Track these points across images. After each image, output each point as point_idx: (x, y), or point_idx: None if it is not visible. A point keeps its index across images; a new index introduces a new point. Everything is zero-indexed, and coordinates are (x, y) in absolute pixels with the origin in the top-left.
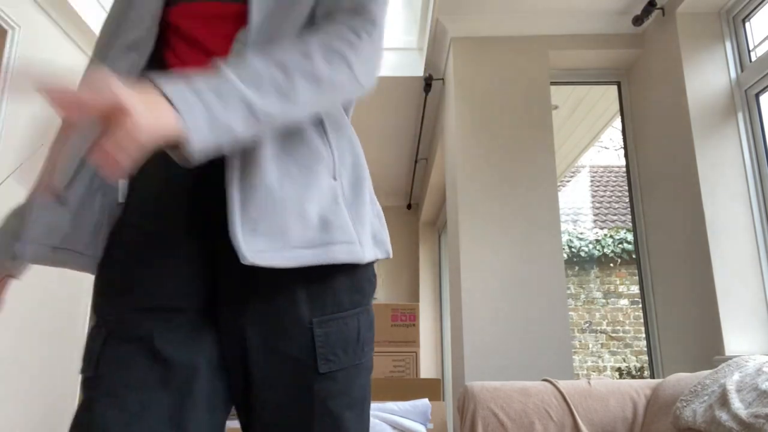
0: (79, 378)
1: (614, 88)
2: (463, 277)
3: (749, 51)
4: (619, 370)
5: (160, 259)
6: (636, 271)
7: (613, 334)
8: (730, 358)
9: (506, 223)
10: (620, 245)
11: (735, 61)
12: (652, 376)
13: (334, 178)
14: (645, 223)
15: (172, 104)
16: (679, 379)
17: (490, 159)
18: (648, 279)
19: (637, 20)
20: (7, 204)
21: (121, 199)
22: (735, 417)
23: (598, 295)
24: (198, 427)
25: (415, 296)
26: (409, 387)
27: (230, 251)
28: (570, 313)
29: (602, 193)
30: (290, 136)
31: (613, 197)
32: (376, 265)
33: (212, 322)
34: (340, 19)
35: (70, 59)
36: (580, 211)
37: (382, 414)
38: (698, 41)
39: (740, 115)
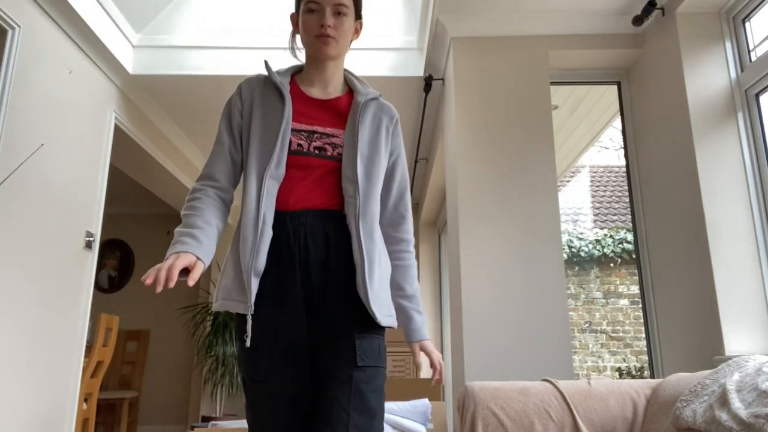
0: (78, 378)
1: (614, 88)
2: (463, 277)
3: (749, 51)
4: (619, 370)
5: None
6: (636, 271)
7: (613, 334)
8: (730, 358)
9: (506, 223)
10: (620, 245)
11: (735, 61)
12: (652, 376)
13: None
14: (645, 223)
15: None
16: (679, 379)
17: (490, 159)
18: (648, 279)
19: (637, 20)
20: (9, 204)
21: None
22: (735, 417)
23: (598, 295)
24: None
25: None
26: (409, 387)
27: (325, 307)
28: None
29: (602, 193)
30: (383, 255)
31: (613, 197)
32: None
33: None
34: (405, 237)
35: (70, 59)
36: (580, 211)
37: None
38: (698, 41)
39: (740, 115)
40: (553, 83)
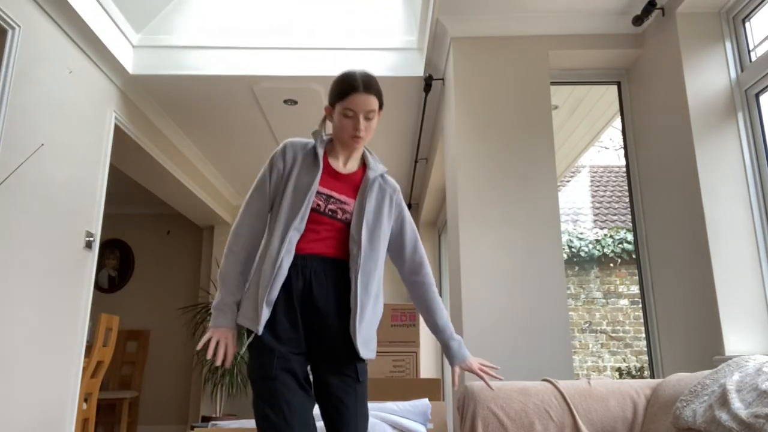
0: (78, 378)
1: (614, 88)
2: (463, 277)
3: (749, 51)
4: (619, 370)
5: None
6: (636, 271)
7: (613, 334)
8: (730, 358)
9: (506, 223)
10: (620, 245)
11: (735, 61)
12: (652, 376)
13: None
14: (645, 223)
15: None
16: (679, 379)
17: (490, 158)
18: (648, 279)
19: (637, 20)
20: (9, 204)
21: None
22: (735, 417)
23: (598, 295)
24: (308, 409)
25: None
26: (409, 387)
27: (327, 338)
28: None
29: (602, 193)
30: (377, 303)
31: (613, 197)
32: None
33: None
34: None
35: (70, 59)
36: (580, 211)
37: (382, 414)
38: (698, 41)
39: (740, 115)
40: (553, 83)
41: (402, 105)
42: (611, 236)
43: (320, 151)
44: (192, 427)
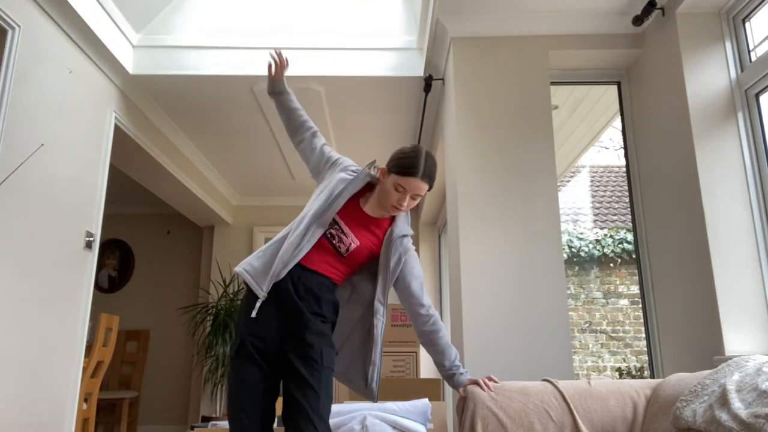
0: (78, 378)
1: (614, 88)
2: (463, 277)
3: (749, 51)
4: (619, 370)
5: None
6: (636, 271)
7: (613, 334)
8: (730, 358)
9: (506, 223)
10: (620, 245)
11: (735, 61)
12: (652, 376)
13: None
14: (645, 223)
15: None
16: (680, 379)
17: (490, 159)
18: (648, 279)
19: (637, 20)
20: (9, 204)
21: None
22: (735, 417)
23: (598, 295)
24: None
25: None
26: (409, 387)
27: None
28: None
29: (602, 193)
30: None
31: (613, 197)
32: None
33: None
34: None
35: (70, 59)
36: (580, 211)
37: (382, 414)
38: (698, 41)
39: (740, 115)
40: (553, 83)
41: (402, 105)
42: (611, 236)
43: (359, 186)
44: (192, 427)
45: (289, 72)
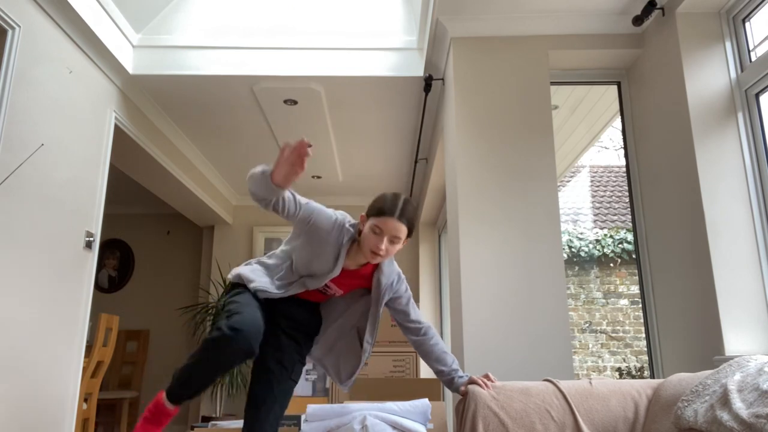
0: (78, 378)
1: (614, 88)
2: (463, 277)
3: (749, 51)
4: (619, 370)
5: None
6: (636, 271)
7: (613, 334)
8: (730, 358)
9: (506, 222)
10: (620, 245)
11: (735, 61)
12: (652, 376)
13: None
14: (645, 223)
15: None
16: (681, 379)
17: (490, 159)
18: (648, 279)
19: (637, 20)
20: (9, 204)
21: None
22: (736, 417)
23: (598, 295)
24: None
25: (415, 296)
26: (409, 387)
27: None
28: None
29: (602, 193)
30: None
31: (613, 197)
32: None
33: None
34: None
35: (70, 59)
36: (580, 211)
37: (382, 414)
38: (698, 41)
39: (740, 115)
40: (553, 83)
41: (402, 105)
42: (611, 236)
43: (342, 256)
44: (192, 427)
45: (289, 72)
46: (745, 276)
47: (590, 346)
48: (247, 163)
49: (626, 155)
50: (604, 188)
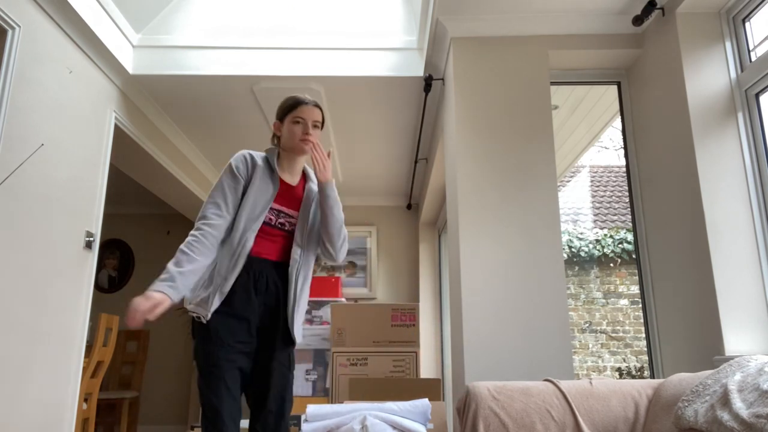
0: (78, 378)
1: (614, 88)
2: (463, 277)
3: (749, 51)
4: (619, 370)
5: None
6: (636, 271)
7: (613, 334)
8: (731, 358)
9: (506, 223)
10: (620, 245)
11: (735, 61)
12: (652, 376)
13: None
14: (645, 223)
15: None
16: (681, 379)
17: (490, 159)
18: (648, 279)
19: (637, 20)
20: (9, 204)
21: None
22: (736, 417)
23: (598, 295)
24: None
25: (415, 296)
26: (409, 387)
27: (274, 331)
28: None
29: (602, 193)
30: (306, 295)
31: (613, 197)
32: (376, 266)
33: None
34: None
35: (70, 59)
36: (580, 211)
37: (382, 414)
38: (698, 41)
39: (740, 115)
40: (553, 83)
41: (402, 105)
42: (611, 236)
43: (276, 166)
44: (192, 427)
45: (289, 72)
46: (745, 276)
47: (590, 346)
48: None
49: (626, 155)
50: (604, 188)
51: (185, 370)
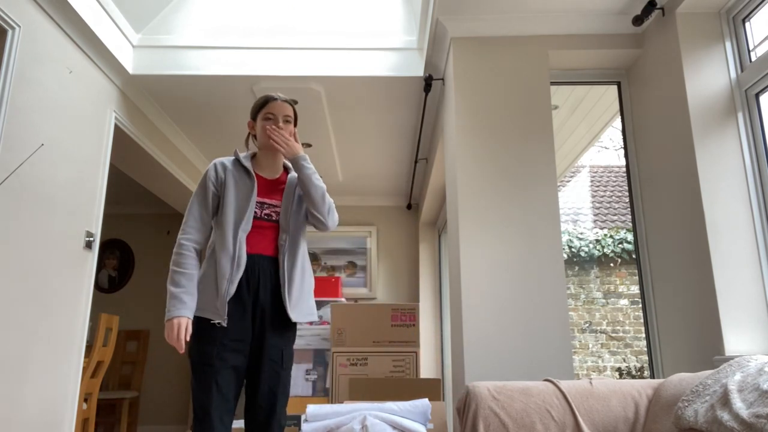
0: (78, 378)
1: (614, 88)
2: (463, 276)
3: (749, 51)
4: (619, 370)
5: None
6: (636, 271)
7: (613, 334)
8: (730, 358)
9: (506, 222)
10: (620, 245)
11: (735, 61)
12: (652, 376)
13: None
14: (645, 223)
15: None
16: (681, 378)
17: (490, 159)
18: (648, 279)
19: (637, 20)
20: (9, 204)
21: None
22: (736, 417)
23: (598, 295)
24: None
25: (415, 296)
26: (409, 387)
27: (273, 316)
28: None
29: (602, 193)
30: (304, 269)
31: (613, 197)
32: (376, 266)
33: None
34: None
35: (70, 59)
36: (580, 211)
37: (382, 414)
38: (698, 41)
39: (740, 115)
40: (553, 83)
41: (402, 105)
42: (611, 236)
43: (248, 165)
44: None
45: (289, 72)
46: (745, 276)
47: (590, 346)
48: None
49: (626, 155)
50: (604, 188)
51: (185, 370)
